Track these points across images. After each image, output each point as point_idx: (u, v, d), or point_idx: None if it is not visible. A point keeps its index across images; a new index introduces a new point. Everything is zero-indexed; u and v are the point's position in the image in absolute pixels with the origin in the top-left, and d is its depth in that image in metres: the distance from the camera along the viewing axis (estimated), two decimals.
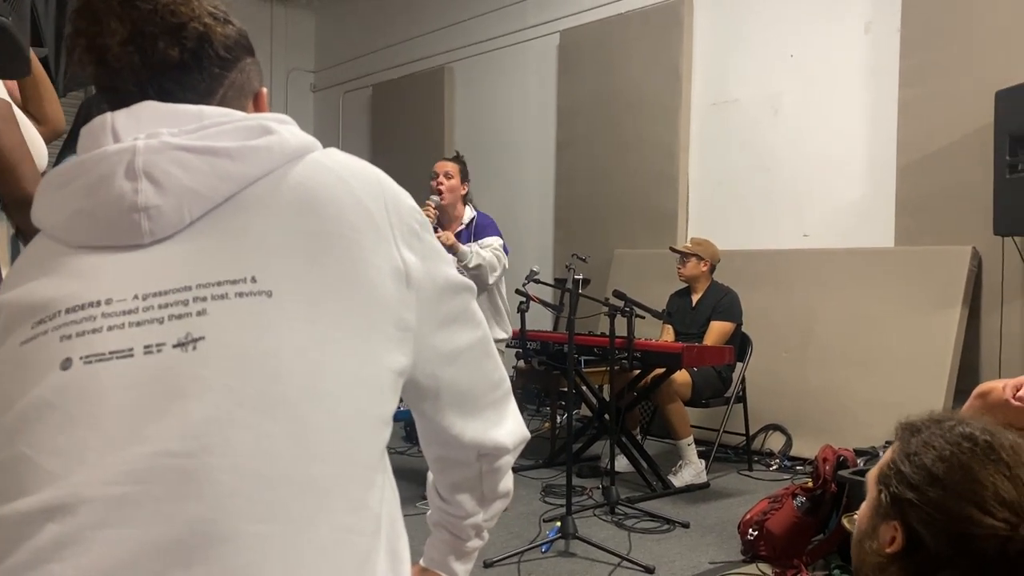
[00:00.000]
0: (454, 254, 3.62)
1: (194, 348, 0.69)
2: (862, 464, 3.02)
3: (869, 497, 1.17)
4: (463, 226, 3.80)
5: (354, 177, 0.80)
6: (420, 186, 7.34)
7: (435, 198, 3.69)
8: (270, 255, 0.74)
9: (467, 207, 3.86)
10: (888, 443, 3.38)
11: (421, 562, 1.09)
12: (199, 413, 0.67)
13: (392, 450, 4.75)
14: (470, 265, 3.59)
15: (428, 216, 3.58)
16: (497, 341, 3.81)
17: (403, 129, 7.52)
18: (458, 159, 3.86)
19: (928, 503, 1.07)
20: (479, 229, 3.79)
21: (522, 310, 4.02)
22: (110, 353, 0.70)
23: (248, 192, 0.77)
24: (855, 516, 1.45)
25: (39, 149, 1.82)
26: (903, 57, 4.41)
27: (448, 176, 3.74)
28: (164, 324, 0.71)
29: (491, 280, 3.68)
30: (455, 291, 0.87)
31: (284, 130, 0.80)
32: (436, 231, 3.72)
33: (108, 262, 0.75)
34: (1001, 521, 1.03)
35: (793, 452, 4.46)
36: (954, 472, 1.07)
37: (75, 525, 0.64)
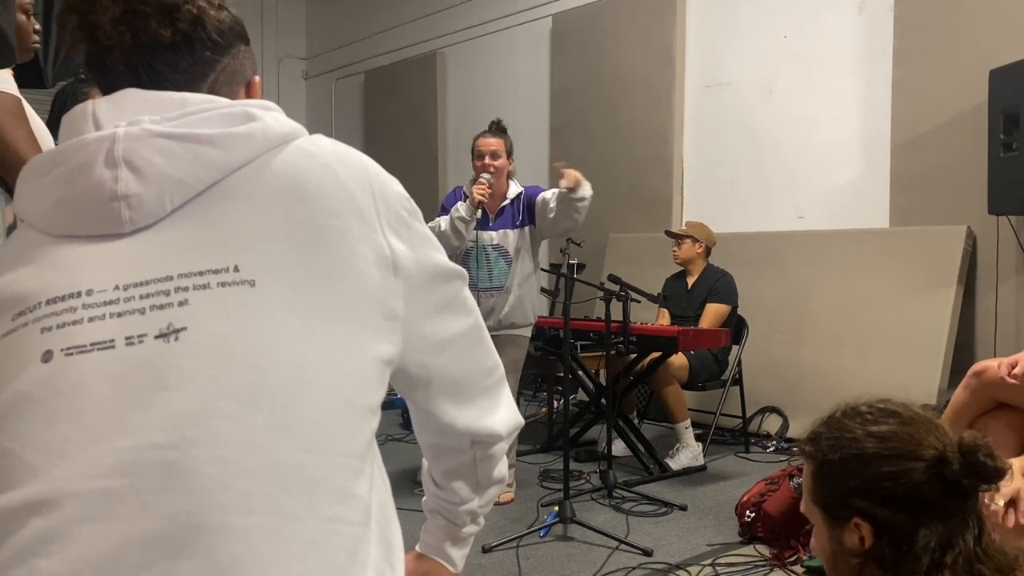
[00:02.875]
0: (574, 192, 3.35)
1: (176, 339, 0.69)
2: None
3: (816, 526, 1.23)
4: (507, 202, 3.54)
5: (339, 164, 0.79)
6: (414, 172, 7.28)
7: (487, 176, 3.41)
8: (253, 244, 0.73)
9: (512, 182, 3.59)
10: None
11: (417, 548, 1.09)
12: (182, 405, 0.66)
13: (389, 436, 4.76)
14: (587, 195, 3.35)
15: (483, 196, 3.36)
16: (526, 326, 3.59)
17: (396, 115, 7.48)
18: (502, 131, 3.55)
19: (871, 484, 1.14)
20: (529, 199, 3.53)
21: None
22: (91, 345, 0.69)
23: (231, 180, 0.75)
24: None
25: (48, 144, 1.81)
26: (897, 37, 4.39)
27: (495, 156, 3.47)
28: (146, 315, 0.70)
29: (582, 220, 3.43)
30: (445, 278, 0.86)
31: (268, 117, 0.79)
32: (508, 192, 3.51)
33: (89, 252, 0.74)
34: (930, 459, 1.12)
35: (790, 434, 4.47)
36: (870, 442, 1.14)
37: (59, 519, 0.63)
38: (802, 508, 1.26)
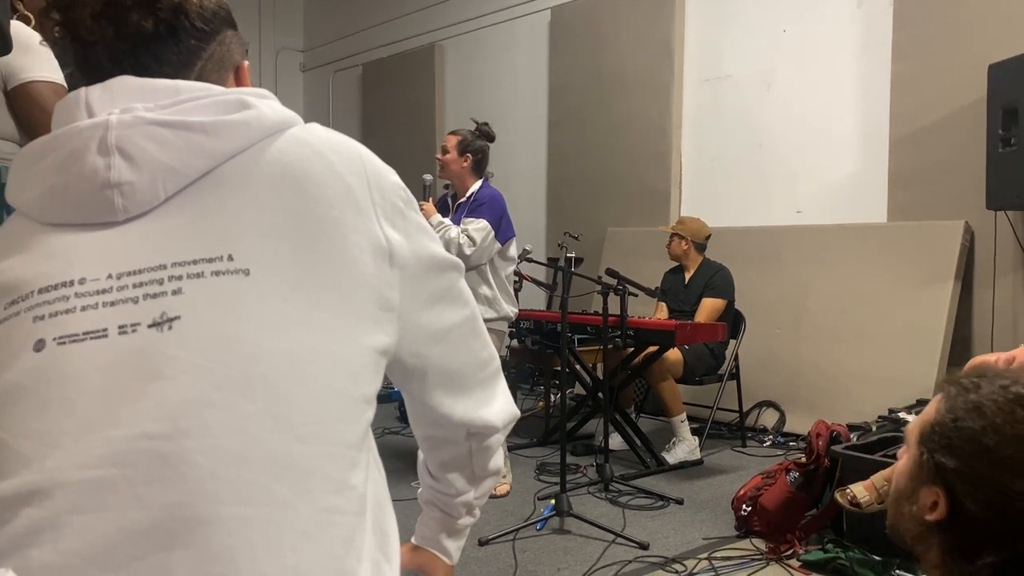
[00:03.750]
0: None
1: (170, 328, 0.68)
2: (855, 439, 3.03)
3: (910, 455, 1.05)
4: (463, 200, 3.57)
5: (334, 152, 0.79)
6: (412, 165, 7.28)
7: (427, 177, 3.56)
8: (247, 233, 0.72)
9: (476, 182, 3.56)
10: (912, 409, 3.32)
11: (413, 540, 1.08)
12: (176, 395, 0.66)
13: (386, 430, 4.75)
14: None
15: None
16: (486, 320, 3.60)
17: (394, 108, 7.47)
18: (460, 131, 3.58)
19: (976, 476, 0.96)
20: (472, 207, 3.51)
21: (515, 289, 3.99)
22: (84, 334, 0.68)
23: (225, 168, 0.75)
24: (848, 490, 1.44)
25: None
26: (896, 30, 4.38)
27: (444, 151, 3.55)
28: (139, 304, 0.69)
29: (461, 258, 3.31)
30: (441, 269, 0.85)
31: (263, 104, 0.78)
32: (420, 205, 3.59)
33: (82, 240, 0.73)
34: None
35: (786, 428, 4.48)
36: (1006, 444, 0.94)
37: (52, 510, 0.63)
38: (908, 427, 1.08)
